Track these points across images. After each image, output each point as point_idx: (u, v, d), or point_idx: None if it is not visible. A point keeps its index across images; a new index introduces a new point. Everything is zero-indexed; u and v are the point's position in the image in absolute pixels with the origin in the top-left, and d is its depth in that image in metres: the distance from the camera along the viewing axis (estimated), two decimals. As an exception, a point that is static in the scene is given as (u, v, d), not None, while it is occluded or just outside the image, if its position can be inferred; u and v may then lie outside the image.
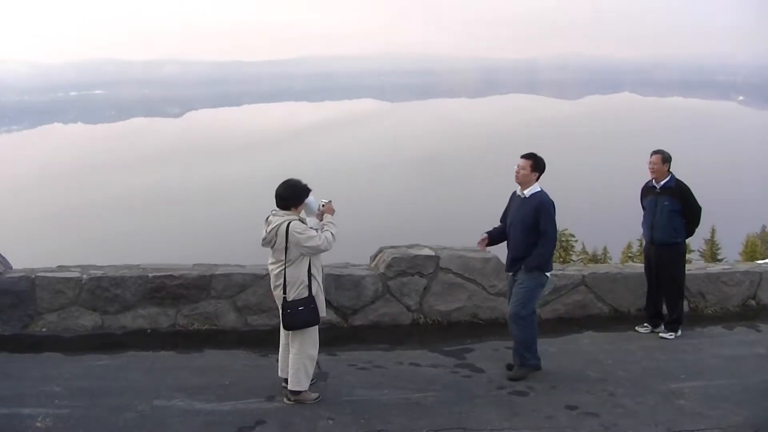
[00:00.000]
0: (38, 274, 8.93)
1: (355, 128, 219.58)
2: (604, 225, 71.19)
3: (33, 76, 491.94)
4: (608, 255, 44.44)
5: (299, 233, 6.62)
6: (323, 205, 7.03)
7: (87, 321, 8.95)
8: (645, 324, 9.44)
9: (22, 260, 10.70)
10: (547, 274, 7.68)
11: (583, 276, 10.06)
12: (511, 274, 7.85)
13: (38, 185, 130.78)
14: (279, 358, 7.16)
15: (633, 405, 7.08)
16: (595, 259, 40.61)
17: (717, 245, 42.13)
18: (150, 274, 9.09)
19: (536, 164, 7.69)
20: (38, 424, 6.22)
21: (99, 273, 9.12)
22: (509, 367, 7.84)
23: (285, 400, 6.91)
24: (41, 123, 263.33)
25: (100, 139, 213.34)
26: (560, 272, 10.03)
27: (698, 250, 40.46)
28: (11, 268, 9.29)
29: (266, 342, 8.26)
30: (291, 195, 6.85)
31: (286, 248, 6.67)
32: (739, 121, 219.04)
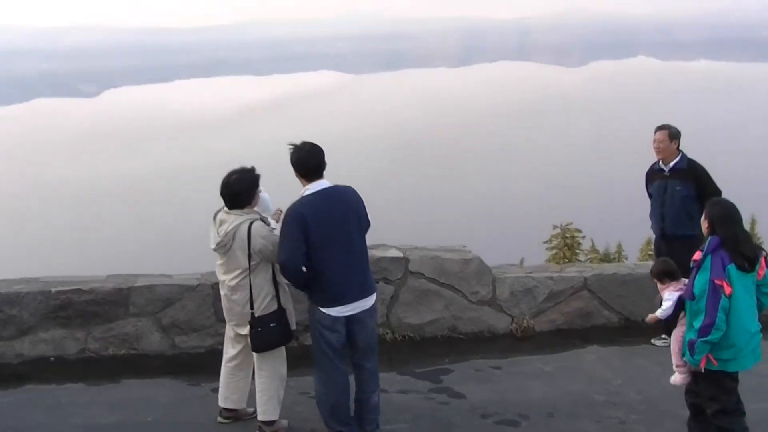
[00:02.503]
0: None
1: (311, 106, 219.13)
2: (617, 218, 71.77)
3: None
4: (623, 253, 44.29)
5: (263, 237, 6.73)
6: (278, 209, 7.24)
7: None
8: (663, 336, 9.23)
9: None
10: None
11: (586, 278, 10.09)
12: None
13: None
14: (221, 385, 7.25)
15: (648, 433, 7.05)
16: (607, 258, 40.38)
17: (759, 238, 40.37)
18: (53, 289, 8.97)
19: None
20: None
21: None
22: None
23: None
24: None
25: None
26: (557, 275, 10.12)
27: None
28: None
29: (198, 368, 8.36)
30: (244, 189, 6.92)
31: (249, 254, 6.75)
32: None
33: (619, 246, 46.66)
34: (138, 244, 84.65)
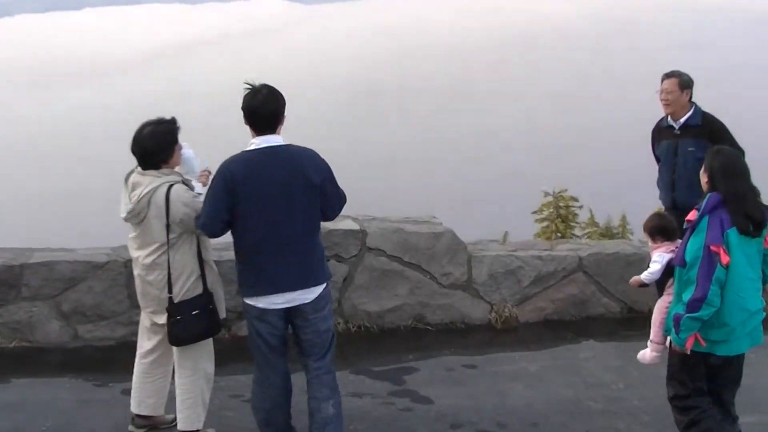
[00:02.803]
0: None
1: (253, 43, 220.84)
2: (622, 184, 72.47)
3: None
4: (628, 228, 44.33)
5: (185, 204, 6.63)
6: (206, 169, 7.17)
7: None
8: None
9: None
10: None
11: (581, 258, 10.10)
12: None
13: None
14: (134, 386, 7.21)
15: (655, 449, 6.82)
16: (608, 233, 40.50)
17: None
18: None
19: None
20: None
21: None
22: None
23: None
24: None
25: None
26: (546, 253, 10.12)
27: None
28: None
29: (106, 364, 8.44)
30: (154, 147, 6.78)
31: (167, 225, 6.68)
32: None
33: (623, 219, 46.73)
34: (35, 210, 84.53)
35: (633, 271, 9.33)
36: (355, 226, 9.70)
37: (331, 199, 6.67)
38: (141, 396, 7.19)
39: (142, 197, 6.63)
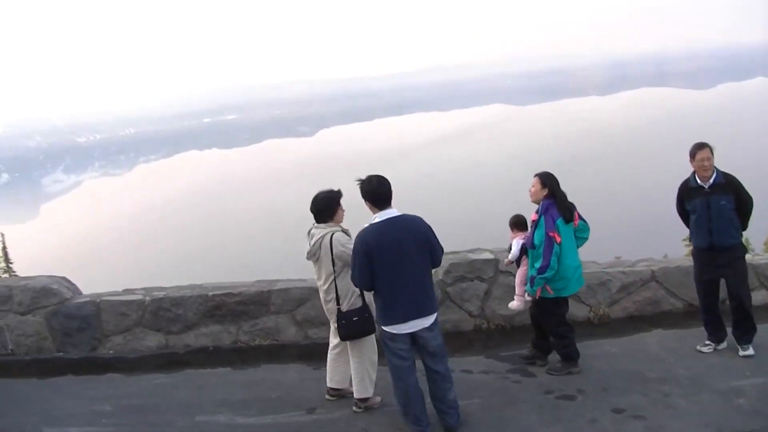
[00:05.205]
0: (103, 298, 10.95)
1: (485, 134, 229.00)
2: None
3: (165, 107, 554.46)
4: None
5: (342, 245, 7.69)
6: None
7: (152, 341, 10.81)
8: (707, 342, 9.55)
9: (159, 281, 12.16)
10: None
11: (653, 271, 10.94)
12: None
13: (175, 211, 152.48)
14: (327, 368, 8.42)
15: (686, 405, 7.81)
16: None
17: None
18: (210, 293, 10.81)
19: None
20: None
21: (161, 294, 11.01)
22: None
23: (354, 408, 8.10)
24: (178, 151, 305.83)
25: (236, 162, 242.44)
26: (628, 269, 10.98)
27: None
28: (80, 293, 11.19)
29: (324, 355, 8.85)
30: (323, 207, 7.95)
31: (333, 261, 7.73)
32: None
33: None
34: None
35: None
36: (491, 256, 10.73)
37: (435, 251, 7.32)
38: (331, 375, 8.42)
39: (315, 242, 7.83)
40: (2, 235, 38.40)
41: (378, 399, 8.18)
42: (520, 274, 9.13)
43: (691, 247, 9.92)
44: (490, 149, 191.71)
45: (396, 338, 7.18)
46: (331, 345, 8.34)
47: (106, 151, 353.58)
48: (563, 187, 8.53)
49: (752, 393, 7.97)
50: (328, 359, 8.37)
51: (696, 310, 10.21)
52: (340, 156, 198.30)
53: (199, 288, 11.03)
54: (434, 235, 7.34)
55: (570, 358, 8.93)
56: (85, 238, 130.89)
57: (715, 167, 9.09)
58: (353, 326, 7.73)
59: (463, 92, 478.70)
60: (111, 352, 10.64)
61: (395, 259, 7.01)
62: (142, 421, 8.31)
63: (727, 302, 9.42)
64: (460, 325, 10.64)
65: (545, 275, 8.37)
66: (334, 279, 7.75)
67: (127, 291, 11.22)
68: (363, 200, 7.32)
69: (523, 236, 9.10)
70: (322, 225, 7.88)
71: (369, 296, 7.70)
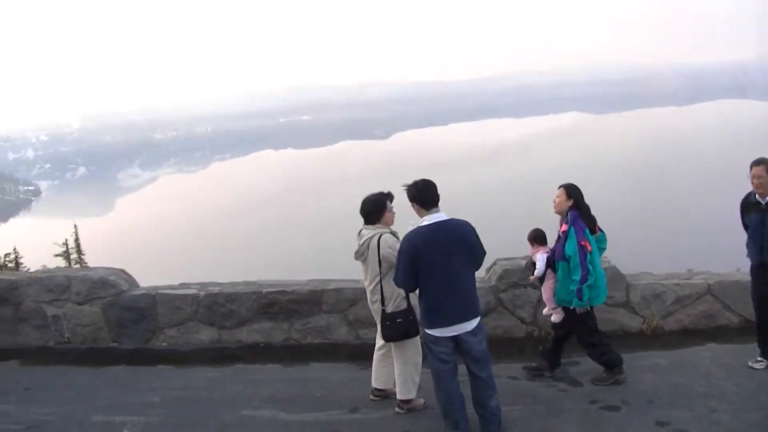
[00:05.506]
0: (159, 291, 11.18)
1: (561, 142, 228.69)
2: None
3: (241, 105, 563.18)
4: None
5: (389, 246, 7.80)
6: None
7: (205, 335, 11.04)
8: (759, 359, 9.30)
9: (224, 278, 12.56)
10: None
11: (709, 285, 10.75)
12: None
13: (248, 209, 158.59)
14: (373, 368, 8.52)
15: (731, 422, 7.60)
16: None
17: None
18: (263, 290, 10.99)
19: None
20: (125, 431, 8.17)
21: (216, 290, 11.24)
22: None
23: (396, 409, 8.16)
24: (253, 150, 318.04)
25: (309, 163, 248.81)
26: (684, 281, 10.81)
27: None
28: (137, 285, 11.30)
29: (371, 355, 8.85)
30: (372, 209, 8.09)
31: (379, 262, 7.86)
32: None
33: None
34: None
35: (747, 294, 9.69)
36: (542, 267, 10.43)
37: (479, 255, 7.33)
38: (376, 375, 8.52)
39: (363, 243, 7.97)
40: (75, 227, 39.50)
41: (421, 401, 8.22)
42: (547, 288, 9.03)
43: None
44: (566, 156, 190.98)
45: (438, 341, 7.18)
46: (377, 346, 8.44)
47: (182, 147, 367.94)
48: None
49: (801, 413, 7.91)
50: (374, 360, 8.48)
51: (752, 326, 9.79)
52: (416, 160, 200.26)
53: (254, 285, 11.20)
54: (479, 238, 7.33)
55: (612, 364, 8.85)
56: (157, 233, 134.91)
57: None
58: (397, 328, 7.80)
59: (538, 99, 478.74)
60: (164, 344, 10.92)
61: (442, 262, 7.03)
62: (188, 413, 8.51)
63: None
64: (512, 332, 10.62)
65: (589, 282, 8.36)
66: (380, 280, 7.86)
67: (183, 285, 11.54)
68: (410, 203, 7.36)
69: (546, 250, 9.04)
70: (370, 226, 8.00)
71: (414, 299, 7.73)
